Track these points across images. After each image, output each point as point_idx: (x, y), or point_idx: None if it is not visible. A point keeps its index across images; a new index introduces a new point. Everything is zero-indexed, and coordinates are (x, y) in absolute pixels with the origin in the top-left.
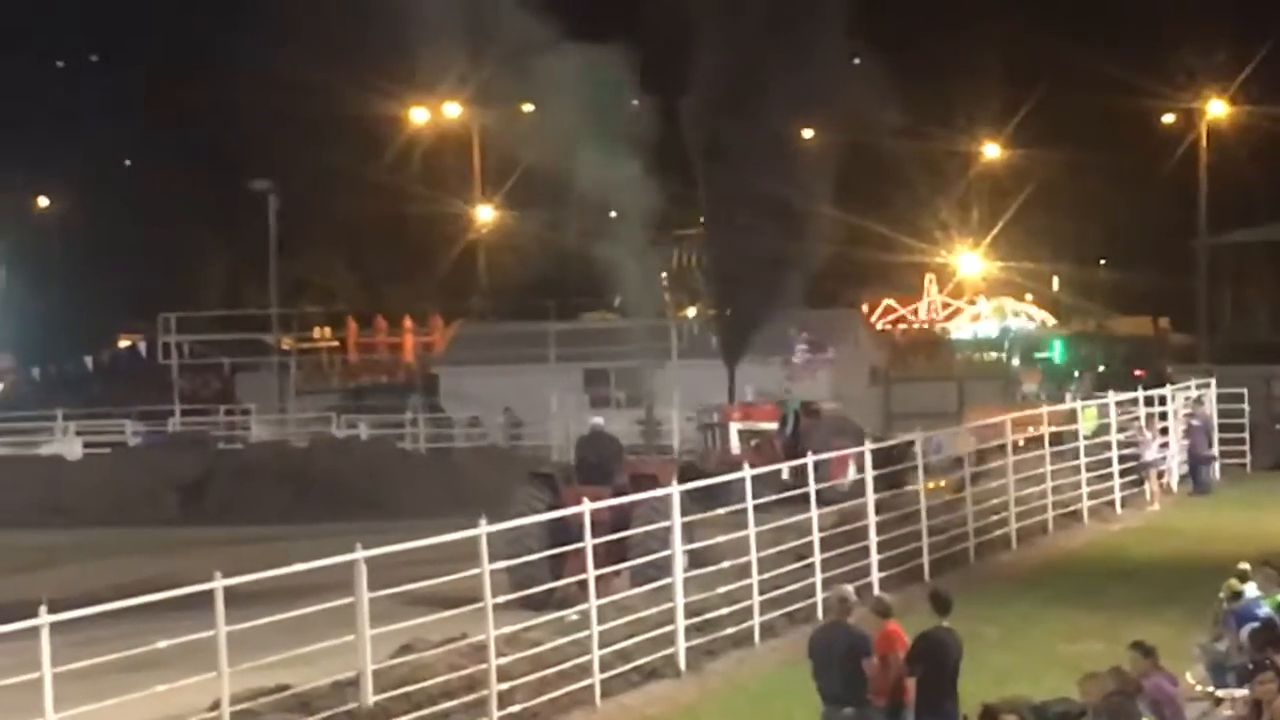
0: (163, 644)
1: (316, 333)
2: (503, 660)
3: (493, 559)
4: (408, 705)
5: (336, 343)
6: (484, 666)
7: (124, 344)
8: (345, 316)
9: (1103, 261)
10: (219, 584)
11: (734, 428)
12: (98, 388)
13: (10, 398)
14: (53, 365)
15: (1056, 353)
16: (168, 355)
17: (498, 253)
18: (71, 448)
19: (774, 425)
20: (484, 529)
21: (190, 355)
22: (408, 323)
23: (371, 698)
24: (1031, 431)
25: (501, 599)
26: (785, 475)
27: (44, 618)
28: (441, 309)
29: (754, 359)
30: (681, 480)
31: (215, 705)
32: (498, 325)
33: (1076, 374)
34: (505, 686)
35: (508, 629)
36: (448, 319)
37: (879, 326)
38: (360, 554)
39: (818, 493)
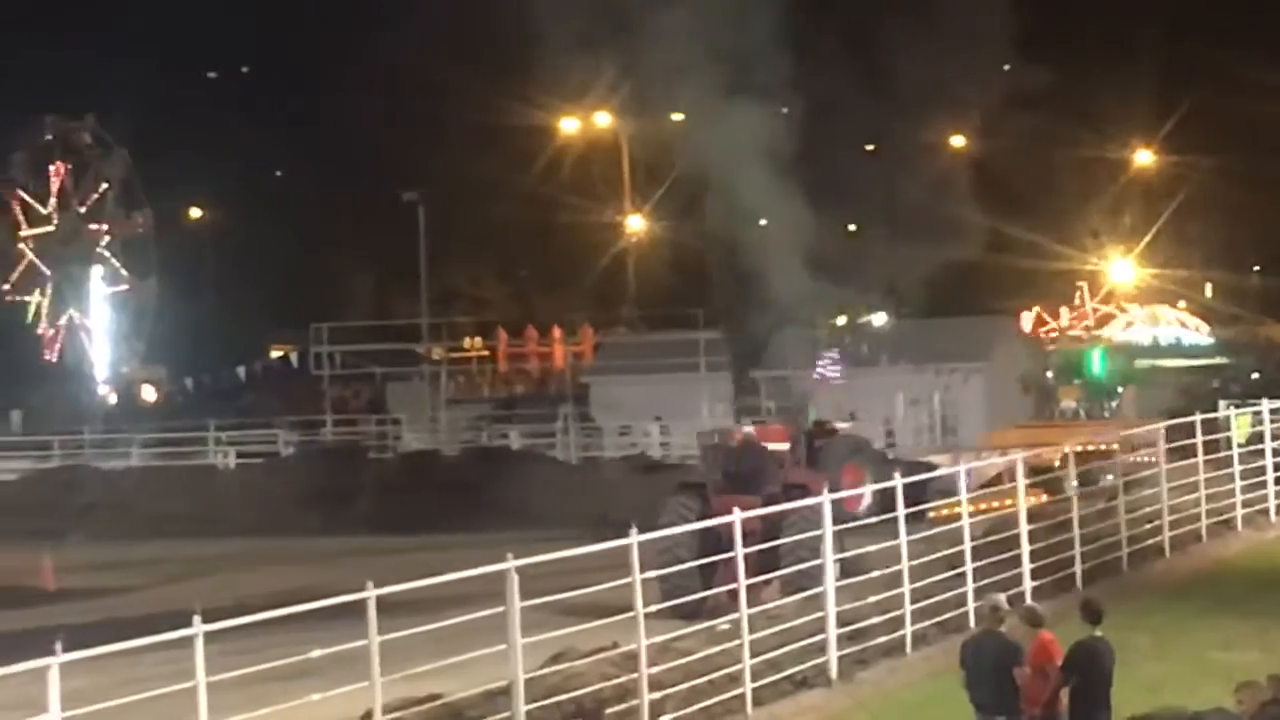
0: (316, 653)
1: (467, 343)
2: (654, 669)
3: (643, 569)
4: (559, 715)
5: (487, 352)
6: (635, 676)
7: (275, 354)
8: (495, 326)
9: (1257, 269)
10: (371, 594)
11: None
12: (249, 398)
13: (163, 408)
14: (205, 376)
15: (1097, 367)
16: (319, 365)
17: (647, 262)
18: (224, 458)
19: (785, 446)
20: (634, 538)
21: (341, 365)
22: (557, 332)
23: (523, 707)
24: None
25: (652, 608)
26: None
27: (198, 627)
28: (591, 318)
29: (909, 367)
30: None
31: (368, 714)
32: (647, 334)
33: (1120, 389)
34: (657, 696)
35: (659, 638)
36: (597, 328)
37: (1036, 333)
38: (511, 563)
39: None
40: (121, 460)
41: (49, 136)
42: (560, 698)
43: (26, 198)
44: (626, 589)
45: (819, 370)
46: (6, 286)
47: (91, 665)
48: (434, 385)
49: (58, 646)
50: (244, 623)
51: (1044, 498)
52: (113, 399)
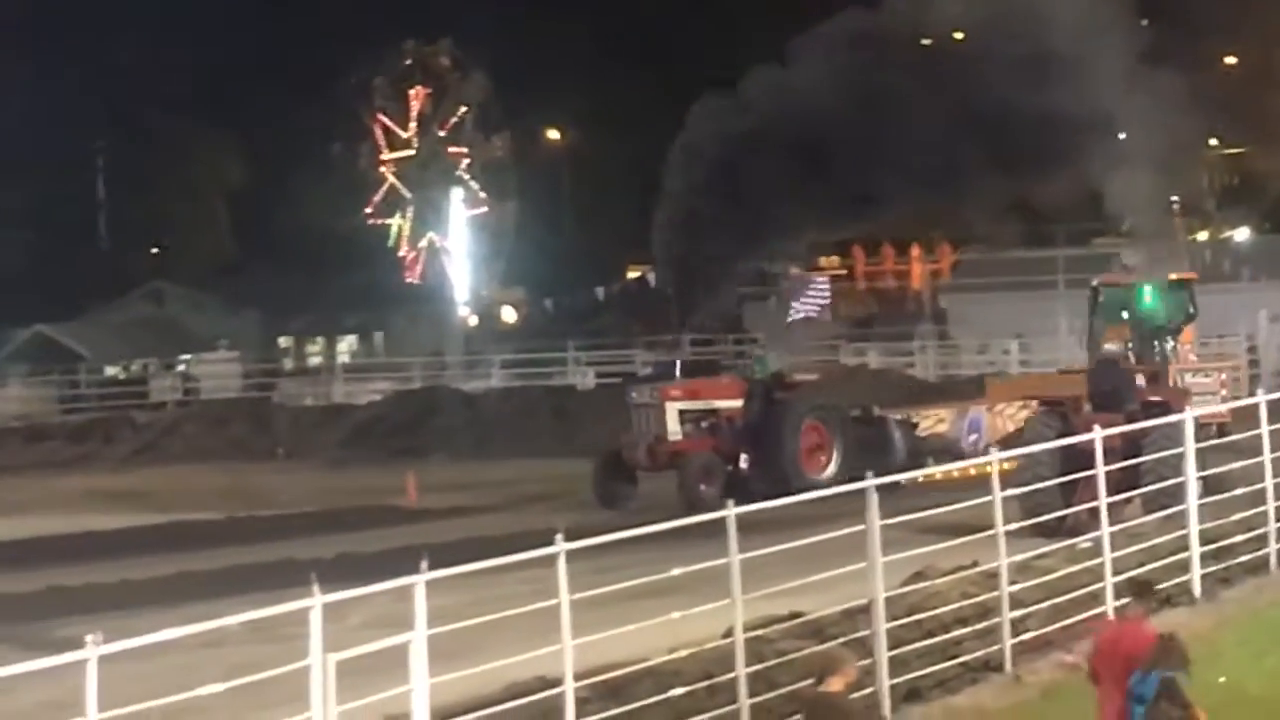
0: (676, 571)
1: (823, 261)
2: (1014, 588)
3: (1004, 487)
4: (919, 632)
5: (844, 271)
6: (996, 594)
7: (632, 275)
8: (851, 245)
9: None
10: (731, 512)
11: (672, 408)
12: (607, 318)
13: (522, 330)
14: (563, 297)
15: (1149, 305)
16: None
17: None
18: (583, 379)
19: (733, 403)
20: (995, 456)
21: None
22: (915, 250)
23: (883, 625)
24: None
25: (1013, 526)
26: (744, 464)
27: (560, 545)
28: (949, 236)
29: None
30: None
31: (729, 632)
32: (1006, 252)
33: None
34: (1018, 614)
35: (1019, 556)
36: (955, 245)
37: None
38: (870, 481)
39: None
40: (482, 381)
41: (408, 62)
42: (920, 616)
43: (387, 122)
44: (986, 507)
45: (796, 307)
46: (368, 210)
47: (455, 583)
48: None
49: (423, 564)
50: (604, 541)
51: None
52: (473, 321)
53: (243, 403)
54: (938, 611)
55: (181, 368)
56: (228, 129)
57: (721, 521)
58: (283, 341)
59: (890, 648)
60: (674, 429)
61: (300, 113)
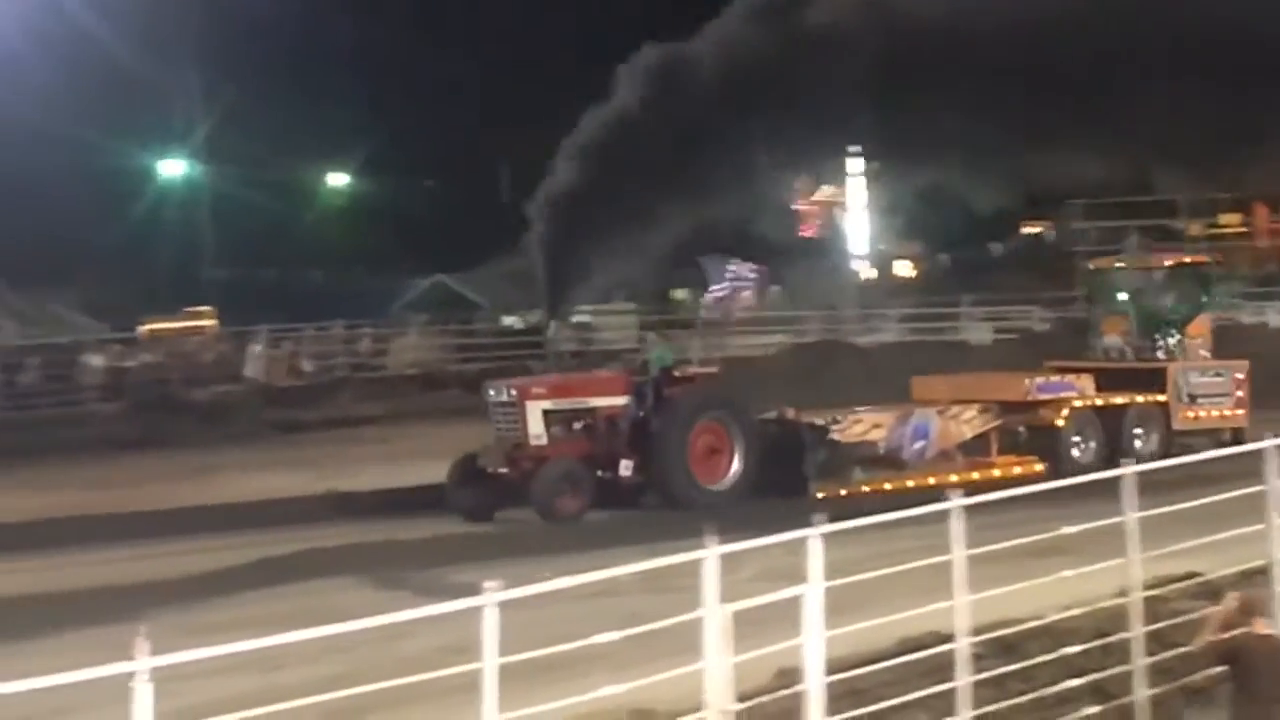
0: (1068, 530)
1: (1223, 219)
2: None
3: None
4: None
5: (1245, 228)
6: None
7: (1028, 230)
8: (1252, 202)
9: None
10: (1129, 470)
11: (534, 408)
12: (1002, 274)
13: (919, 284)
14: (959, 252)
15: (1152, 292)
16: (1074, 242)
17: None
18: (979, 334)
19: (616, 400)
20: None
21: (1096, 242)
22: None
23: None
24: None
25: None
26: (626, 471)
27: (955, 501)
28: None
29: None
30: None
31: (1122, 591)
32: None
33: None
34: None
35: None
36: None
37: None
38: (1269, 443)
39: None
40: (876, 335)
41: None
42: None
43: None
44: None
45: (718, 290)
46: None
47: (849, 537)
48: None
49: (819, 518)
50: (998, 497)
51: None
52: (870, 274)
53: (637, 354)
54: None
55: (577, 318)
56: None
57: (1105, 481)
58: (678, 293)
59: None
60: (537, 431)
61: None
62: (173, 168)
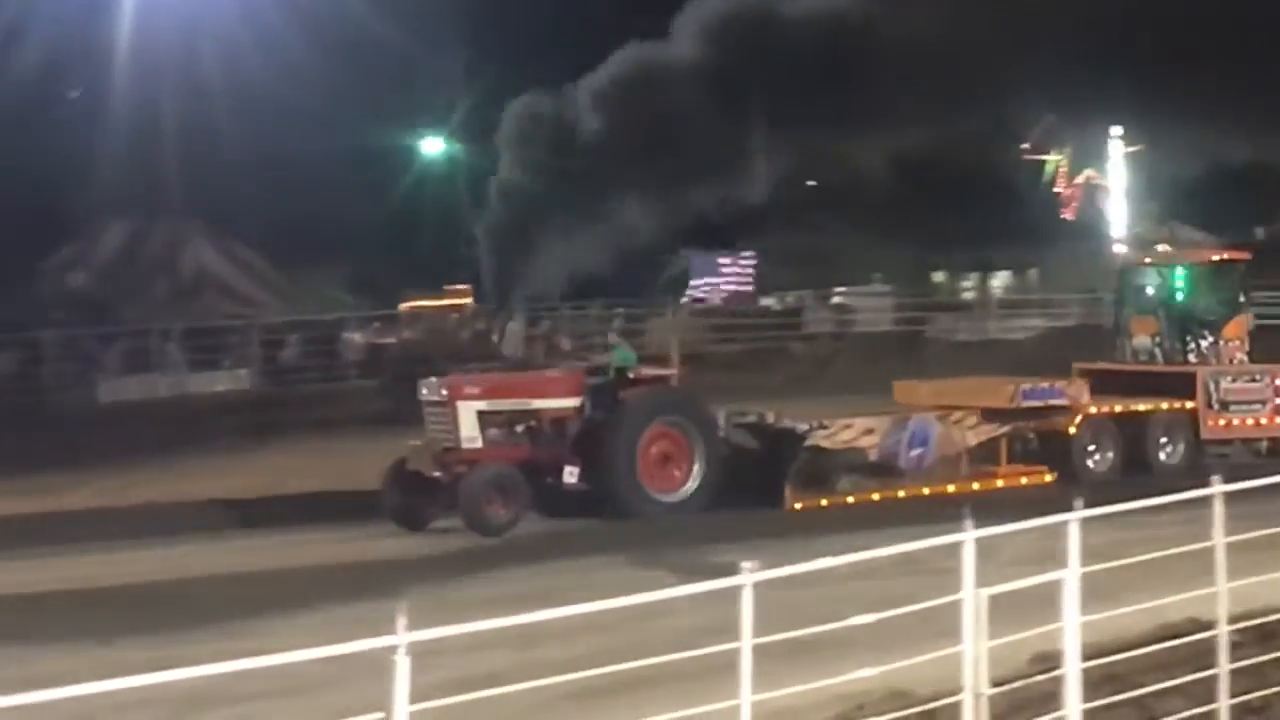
0: None
1: None
2: None
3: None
4: None
5: None
6: None
7: None
8: None
9: None
10: None
11: (467, 408)
12: (1267, 257)
13: None
14: (1222, 234)
15: (1182, 289)
16: None
17: None
18: None
19: (564, 402)
20: None
21: None
22: None
23: None
24: None
25: None
26: (570, 478)
27: (1216, 488)
28: None
29: None
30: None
31: None
32: None
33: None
34: None
35: None
36: None
37: None
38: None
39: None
40: None
41: None
42: None
43: None
44: None
45: (698, 289)
46: (1025, 146)
47: (1107, 522)
48: None
49: (1078, 502)
50: (1261, 484)
51: None
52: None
53: (894, 336)
54: None
55: (836, 300)
56: None
57: None
58: (936, 276)
59: None
60: (470, 434)
61: None
62: (432, 145)
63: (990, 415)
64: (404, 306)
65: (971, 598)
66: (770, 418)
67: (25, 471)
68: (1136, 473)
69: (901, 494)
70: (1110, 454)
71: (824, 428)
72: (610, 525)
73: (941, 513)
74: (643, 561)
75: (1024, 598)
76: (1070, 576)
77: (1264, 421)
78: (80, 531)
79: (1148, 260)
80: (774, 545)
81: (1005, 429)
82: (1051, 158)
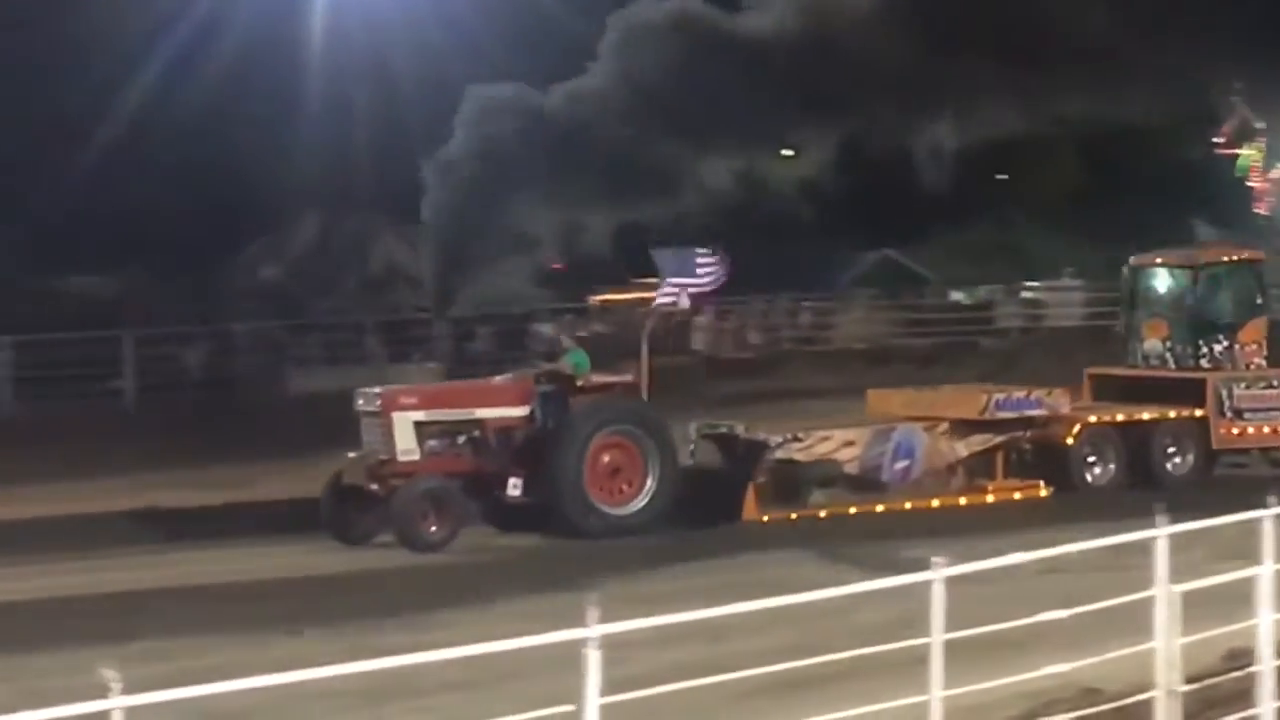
0: None
1: None
2: None
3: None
4: None
5: None
6: None
7: None
8: None
9: None
10: None
11: (403, 419)
12: None
13: None
14: None
15: (1194, 291)
16: None
17: None
18: None
19: (510, 411)
20: None
21: None
22: None
23: None
24: None
25: None
26: (514, 490)
27: None
28: None
29: None
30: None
31: None
32: None
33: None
34: None
35: None
36: None
37: None
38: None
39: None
40: None
41: None
42: None
43: None
44: None
45: (664, 296)
46: (1218, 139)
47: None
48: None
49: (1271, 499)
50: None
51: None
52: None
53: (1084, 331)
54: None
55: (1026, 294)
56: None
57: None
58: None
59: None
60: (406, 445)
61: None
62: None
63: (980, 426)
64: (595, 299)
65: (1165, 594)
66: (741, 430)
67: (219, 462)
68: (1140, 485)
69: (880, 508)
70: (1112, 465)
71: (798, 440)
72: (789, 522)
73: (1132, 508)
74: (831, 556)
75: (1213, 595)
76: (1266, 573)
77: None
78: (273, 523)
79: (1159, 260)
80: (965, 539)
81: (999, 439)
82: (1246, 151)
